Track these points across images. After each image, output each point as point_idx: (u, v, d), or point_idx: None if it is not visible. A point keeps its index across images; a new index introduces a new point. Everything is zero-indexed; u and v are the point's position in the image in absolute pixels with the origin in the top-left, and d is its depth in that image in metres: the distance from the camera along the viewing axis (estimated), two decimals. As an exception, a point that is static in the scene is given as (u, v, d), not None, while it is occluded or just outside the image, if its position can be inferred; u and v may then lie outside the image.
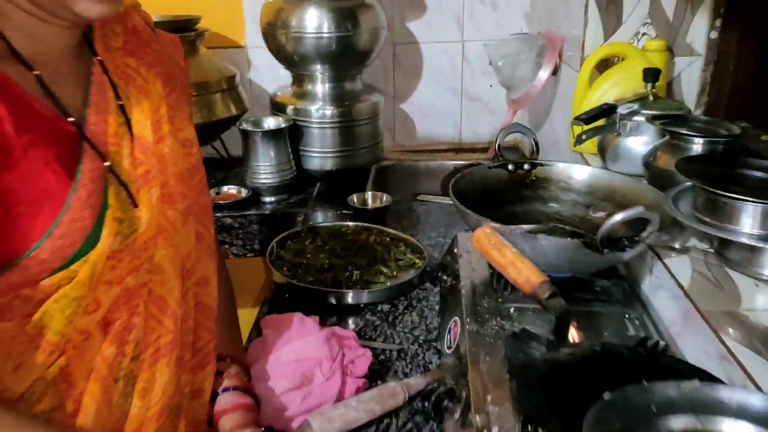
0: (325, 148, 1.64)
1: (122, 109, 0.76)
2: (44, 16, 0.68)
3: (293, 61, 1.60)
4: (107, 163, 0.71)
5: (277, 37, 1.56)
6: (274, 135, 1.54)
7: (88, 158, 0.70)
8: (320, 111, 1.61)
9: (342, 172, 1.67)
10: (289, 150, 1.58)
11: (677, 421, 0.49)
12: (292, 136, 1.60)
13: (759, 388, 0.66)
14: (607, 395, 0.50)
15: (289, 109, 1.63)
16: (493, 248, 0.86)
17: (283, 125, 1.57)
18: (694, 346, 0.83)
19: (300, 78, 1.65)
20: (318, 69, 1.60)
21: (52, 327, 0.66)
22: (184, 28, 1.55)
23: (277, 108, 1.65)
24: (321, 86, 1.63)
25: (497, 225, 0.89)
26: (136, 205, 0.73)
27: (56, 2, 0.66)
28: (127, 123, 0.76)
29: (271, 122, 1.59)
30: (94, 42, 0.78)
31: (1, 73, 0.64)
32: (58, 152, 0.67)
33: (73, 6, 0.66)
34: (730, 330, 0.78)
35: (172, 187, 0.78)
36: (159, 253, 0.75)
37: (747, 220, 0.89)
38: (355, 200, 1.49)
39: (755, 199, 0.87)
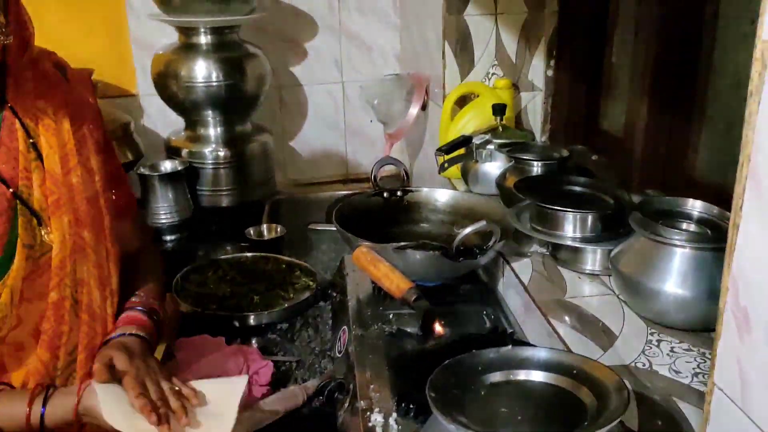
0: (220, 187, 1.76)
1: (34, 146, 0.87)
2: None
3: (185, 107, 1.72)
4: (11, 190, 0.82)
5: (168, 86, 1.68)
6: (171, 177, 1.64)
7: None
8: (214, 153, 1.73)
9: (238, 208, 1.79)
10: (187, 190, 1.69)
11: (495, 376, 0.67)
12: (189, 177, 1.71)
13: (570, 350, 0.87)
14: (446, 362, 0.68)
15: (184, 152, 1.74)
16: (369, 263, 1.03)
17: (180, 168, 1.68)
18: (533, 329, 1.03)
19: (193, 123, 1.77)
20: (209, 114, 1.73)
21: None
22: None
23: (172, 152, 1.76)
24: (213, 130, 1.75)
25: (371, 244, 1.06)
26: (41, 224, 0.84)
27: None
28: (39, 158, 0.87)
29: (167, 165, 1.69)
30: (6, 89, 0.89)
31: None
32: None
33: None
34: (558, 314, 0.99)
35: (83, 213, 0.90)
36: (80, 269, 0.87)
37: (569, 227, 1.11)
38: (252, 232, 1.62)
39: (573, 210, 1.10)
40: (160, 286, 1.12)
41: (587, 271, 1.09)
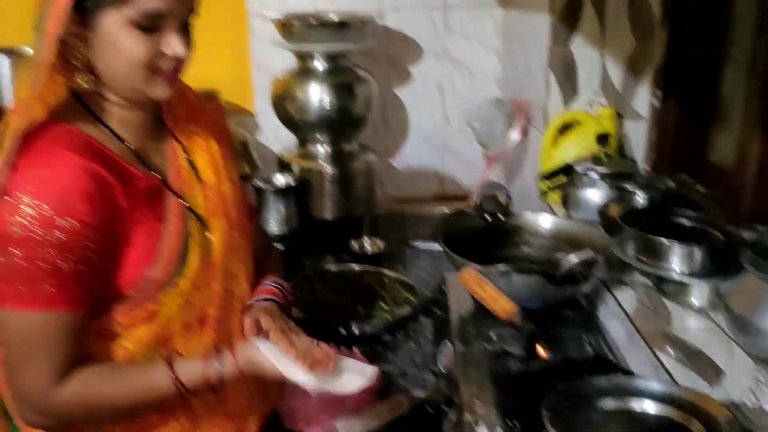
0: (326, 201, 1.87)
1: (191, 163, 1.02)
2: (128, 105, 0.94)
3: (299, 127, 1.84)
4: (184, 203, 0.97)
5: (285, 107, 1.81)
6: (283, 191, 1.77)
7: (172, 202, 0.96)
8: (322, 169, 1.84)
9: (341, 221, 1.89)
10: (296, 203, 1.80)
11: (608, 403, 0.71)
12: (298, 191, 1.82)
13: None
14: (558, 386, 0.72)
15: (295, 167, 1.86)
16: (476, 285, 1.09)
17: (291, 182, 1.80)
18: (637, 359, 1.05)
19: (304, 141, 1.89)
20: (320, 133, 1.85)
21: (170, 326, 0.94)
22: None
23: (284, 167, 1.89)
24: (322, 148, 1.87)
25: (479, 266, 1.12)
26: (206, 228, 0.99)
27: (136, 92, 0.91)
28: (195, 172, 1.02)
29: (280, 179, 1.82)
30: (164, 117, 1.04)
31: (112, 154, 0.91)
32: (151, 201, 0.94)
33: (149, 92, 0.91)
34: (663, 346, 1.00)
35: (234, 218, 1.04)
36: (232, 265, 1.03)
37: (675, 260, 1.12)
38: (355, 245, 1.71)
39: (680, 242, 1.11)
40: (283, 273, 1.26)
41: (694, 306, 1.10)
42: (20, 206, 0.82)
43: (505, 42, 2.07)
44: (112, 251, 0.90)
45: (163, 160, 1.00)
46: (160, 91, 0.92)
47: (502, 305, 1.03)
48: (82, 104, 0.93)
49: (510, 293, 1.09)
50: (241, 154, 1.87)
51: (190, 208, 0.98)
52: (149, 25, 0.86)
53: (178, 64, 0.92)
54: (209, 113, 1.13)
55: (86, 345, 0.91)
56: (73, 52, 0.88)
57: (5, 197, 0.83)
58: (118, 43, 0.86)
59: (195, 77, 1.89)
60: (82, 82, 0.90)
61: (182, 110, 1.06)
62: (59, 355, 0.87)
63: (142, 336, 0.93)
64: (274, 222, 1.77)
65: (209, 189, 1.02)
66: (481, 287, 1.08)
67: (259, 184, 1.78)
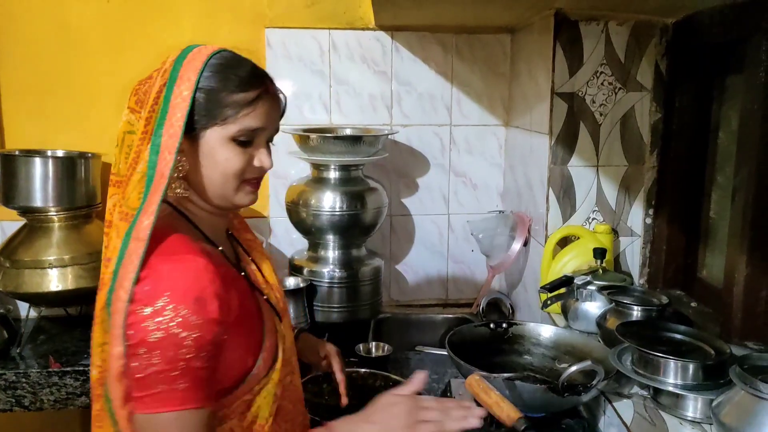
0: (333, 304, 1.94)
1: (256, 265, 1.14)
2: (215, 211, 1.03)
3: (310, 231, 1.94)
4: (264, 297, 1.07)
5: (298, 212, 1.91)
6: (293, 293, 1.84)
7: (261, 300, 1.05)
8: (331, 273, 1.92)
9: (347, 324, 1.95)
10: (305, 305, 1.87)
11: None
12: (308, 293, 1.90)
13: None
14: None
15: (305, 270, 1.94)
16: (481, 391, 1.14)
17: (302, 285, 1.87)
18: (635, 470, 1.09)
19: (315, 245, 1.98)
20: (330, 238, 1.94)
21: (261, 414, 1.00)
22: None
23: (295, 269, 1.97)
24: (332, 252, 1.96)
25: (484, 373, 1.17)
26: (284, 327, 1.10)
27: (225, 199, 1.00)
28: (261, 274, 1.13)
29: (291, 282, 1.89)
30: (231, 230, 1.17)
31: (217, 253, 1.01)
32: (249, 297, 1.02)
33: (236, 200, 1.00)
34: (660, 457, 1.05)
35: (288, 314, 1.16)
36: (293, 359, 1.13)
37: (670, 373, 1.18)
38: (361, 349, 1.76)
39: (675, 357, 1.18)
40: None
41: (689, 418, 1.15)
42: (161, 312, 0.85)
43: (507, 158, 2.21)
44: (228, 347, 0.94)
45: (238, 262, 1.10)
46: (247, 198, 1.02)
47: (506, 412, 1.08)
48: (179, 212, 1.01)
49: (513, 400, 1.14)
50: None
51: (272, 306, 1.08)
52: (245, 141, 0.97)
53: (262, 174, 1.03)
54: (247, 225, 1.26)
55: None
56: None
57: (143, 305, 0.86)
58: (217, 155, 0.96)
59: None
60: (179, 189, 0.97)
61: (235, 221, 1.19)
62: None
63: (235, 427, 0.98)
64: (284, 323, 1.83)
65: (275, 289, 1.14)
66: (487, 393, 1.13)
67: (271, 285, 1.85)
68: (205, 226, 1.03)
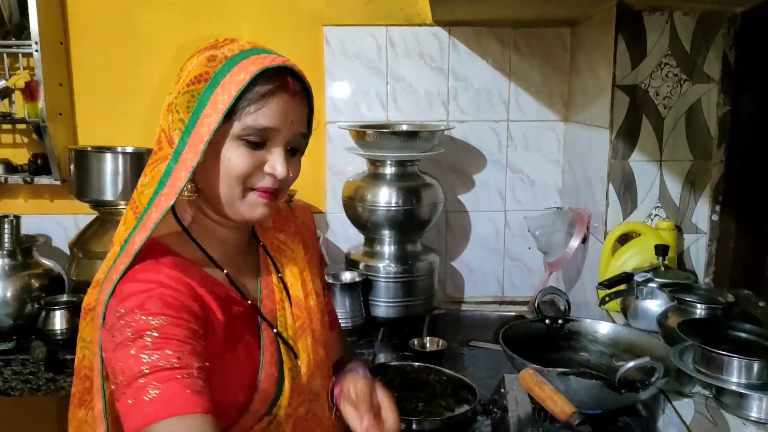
0: (389, 299, 1.95)
1: (281, 279, 1.01)
2: (226, 223, 0.93)
3: (367, 227, 1.96)
4: (275, 330, 0.95)
5: (355, 207, 1.94)
6: (349, 287, 1.86)
7: (265, 328, 0.94)
8: (387, 268, 1.94)
9: (402, 319, 1.96)
10: (361, 299, 1.89)
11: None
12: (364, 288, 1.92)
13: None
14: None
15: (361, 265, 1.96)
16: (535, 385, 1.13)
17: (357, 279, 1.89)
18: (696, 471, 1.06)
19: (371, 240, 2.00)
20: (386, 233, 1.96)
21: None
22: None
23: (351, 264, 1.99)
24: (388, 247, 1.97)
25: (538, 367, 1.16)
26: (297, 356, 0.97)
27: (234, 210, 0.90)
28: (286, 289, 1.00)
29: (347, 276, 1.92)
30: (255, 230, 1.04)
31: (210, 276, 0.91)
32: (248, 326, 0.92)
33: (245, 213, 0.90)
34: (723, 458, 1.01)
35: (318, 332, 1.01)
36: (315, 383, 0.99)
37: (734, 372, 1.14)
38: (416, 343, 1.76)
39: (740, 356, 1.13)
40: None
41: (752, 418, 1.10)
42: (114, 323, 0.81)
43: (566, 154, 2.17)
44: (212, 373, 0.84)
45: (257, 280, 0.99)
46: (256, 212, 0.90)
47: (560, 406, 1.06)
48: (182, 227, 0.93)
49: (568, 396, 1.12)
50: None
51: (280, 335, 0.95)
52: (255, 142, 0.86)
53: (278, 185, 0.89)
54: (298, 218, 1.12)
55: None
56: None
57: (109, 324, 0.82)
58: (223, 154, 0.86)
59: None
60: (187, 192, 0.89)
61: (270, 220, 1.05)
62: None
63: None
64: (341, 317, 1.85)
65: (297, 306, 1.00)
66: (541, 388, 1.11)
67: (329, 279, 1.88)
68: (214, 243, 0.94)
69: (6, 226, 1.93)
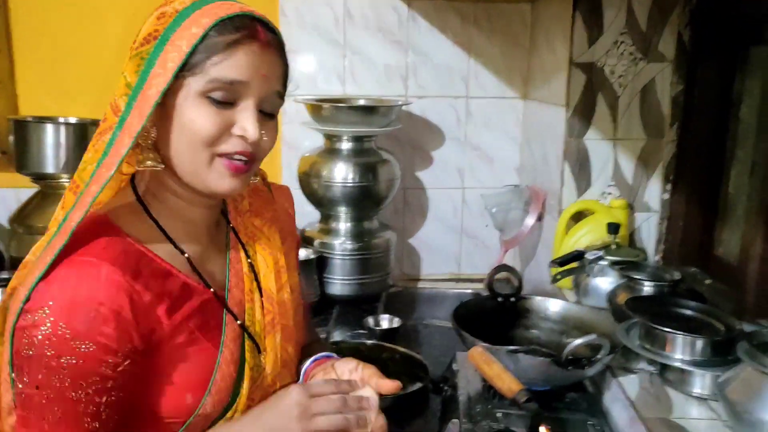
0: (344, 276, 1.93)
1: (252, 267, 0.91)
2: (192, 199, 0.83)
3: (322, 203, 1.93)
4: (239, 322, 0.86)
5: (310, 183, 1.90)
6: (304, 264, 1.83)
7: (229, 321, 0.84)
8: (342, 245, 1.92)
9: (358, 297, 1.94)
10: (315, 277, 1.87)
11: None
12: (318, 266, 1.89)
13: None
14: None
15: (317, 242, 1.94)
16: (484, 363, 1.12)
17: (312, 256, 1.87)
18: (638, 445, 1.07)
19: (326, 217, 1.97)
20: (342, 210, 1.93)
21: None
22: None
23: (306, 241, 1.96)
24: (344, 224, 1.95)
25: (487, 345, 1.16)
26: (260, 352, 0.88)
27: (200, 180, 0.79)
28: (257, 279, 0.91)
29: (301, 254, 1.89)
30: (227, 210, 0.93)
31: (163, 267, 0.80)
32: (206, 319, 0.82)
33: (212, 184, 0.79)
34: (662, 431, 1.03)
35: (290, 329, 0.93)
36: (281, 383, 0.91)
37: (678, 349, 1.15)
38: (371, 322, 1.75)
39: (683, 333, 1.15)
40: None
41: (695, 394, 1.13)
42: (38, 324, 0.71)
43: (524, 131, 2.17)
44: (149, 378, 0.78)
45: (224, 266, 0.89)
46: (224, 183, 0.79)
47: (508, 384, 1.06)
48: (139, 200, 0.84)
49: (517, 373, 1.12)
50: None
51: (246, 330, 0.87)
52: (222, 99, 0.76)
53: (250, 152, 0.79)
54: (277, 202, 1.02)
55: None
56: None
57: (28, 311, 0.72)
58: (184, 115, 0.76)
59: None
60: (150, 161, 0.79)
61: (246, 201, 0.95)
62: None
63: None
64: (294, 293, 1.83)
65: (268, 299, 0.91)
66: (489, 365, 1.11)
67: (282, 255, 1.85)
68: (176, 222, 0.84)
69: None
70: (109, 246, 0.77)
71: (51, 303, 0.72)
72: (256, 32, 0.78)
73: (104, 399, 0.74)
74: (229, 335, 0.84)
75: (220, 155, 0.79)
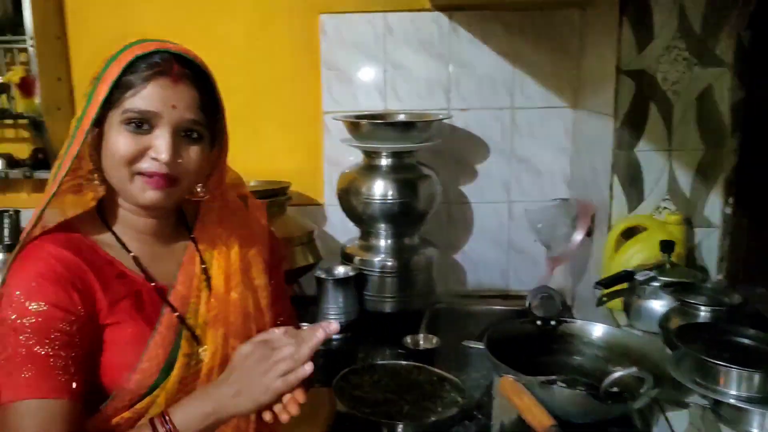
0: (384, 294, 1.89)
1: (204, 270, 1.03)
2: (136, 210, 0.98)
3: (362, 220, 1.90)
4: (177, 314, 0.98)
5: (349, 200, 1.88)
6: (343, 282, 1.80)
7: (167, 312, 0.97)
8: (382, 262, 1.88)
9: (399, 315, 1.90)
10: (355, 294, 1.84)
11: None
12: (358, 282, 1.86)
13: None
14: None
15: (356, 259, 1.90)
16: (514, 394, 1.06)
17: (351, 273, 1.84)
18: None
19: (366, 233, 1.94)
20: (382, 227, 1.89)
21: None
22: (277, 192, 1.90)
23: (346, 258, 1.93)
24: (384, 241, 1.91)
25: (516, 375, 1.09)
26: (198, 344, 0.98)
27: (127, 194, 0.95)
28: (207, 280, 1.02)
29: (341, 270, 1.86)
30: (196, 219, 1.07)
31: (106, 256, 0.96)
32: (142, 305, 0.95)
33: (137, 196, 0.93)
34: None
35: (236, 326, 1.02)
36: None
37: (732, 384, 1.05)
38: (409, 341, 1.70)
39: (739, 367, 1.04)
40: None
41: (752, 434, 1.02)
42: (2, 299, 0.88)
43: (574, 142, 2.07)
44: (93, 345, 0.91)
45: (176, 265, 1.02)
46: (145, 196, 0.93)
47: (538, 418, 1.00)
48: (99, 212, 1.00)
49: (552, 406, 1.05)
50: (306, 245, 1.94)
51: (183, 321, 0.98)
52: (138, 126, 0.91)
53: (165, 169, 0.92)
54: (248, 216, 1.14)
55: None
56: (90, 154, 0.96)
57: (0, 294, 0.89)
58: (110, 140, 0.92)
59: (271, 169, 2.03)
60: (96, 181, 0.97)
61: (216, 213, 1.08)
62: None
63: None
64: (333, 312, 1.80)
65: (216, 297, 1.02)
66: (519, 397, 1.05)
67: (320, 274, 1.82)
68: (128, 230, 0.99)
69: (6, 220, 1.92)
70: (58, 236, 0.94)
71: (10, 280, 0.89)
72: (169, 68, 0.91)
73: (71, 353, 0.87)
74: (163, 323, 0.96)
75: (140, 173, 0.92)
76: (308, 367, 0.90)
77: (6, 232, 1.97)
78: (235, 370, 0.92)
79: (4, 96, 2.00)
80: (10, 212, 1.97)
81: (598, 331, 1.34)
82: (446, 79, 2.06)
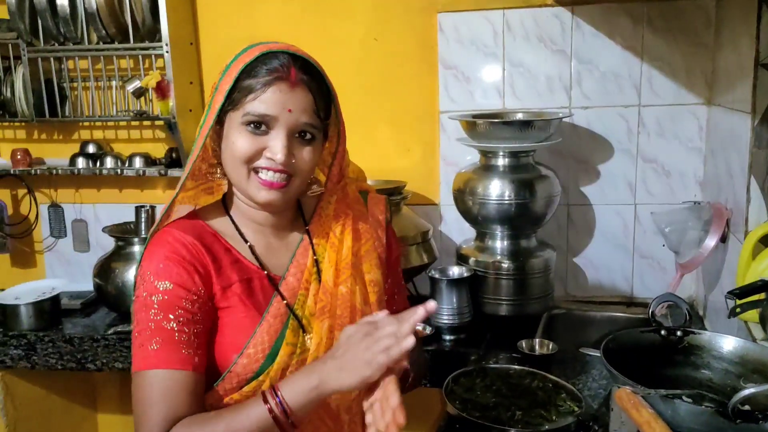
0: (500, 296, 1.87)
1: (316, 263, 1.08)
2: (252, 204, 1.05)
3: (477, 220, 1.89)
4: (285, 302, 1.03)
5: (465, 201, 1.87)
6: (457, 283, 1.81)
7: (277, 301, 1.03)
8: (498, 264, 1.86)
9: (514, 318, 1.87)
10: (469, 296, 1.83)
11: None
12: (472, 284, 1.85)
13: None
14: None
15: (471, 260, 1.90)
16: (632, 407, 1.01)
17: (466, 274, 1.83)
18: None
19: (482, 234, 1.93)
20: (498, 228, 1.87)
21: None
22: (392, 191, 1.94)
23: (461, 258, 1.93)
24: (500, 242, 1.89)
25: (635, 386, 1.04)
26: (305, 332, 1.03)
27: (245, 191, 1.02)
28: (318, 273, 1.07)
29: (455, 271, 1.87)
30: (313, 214, 1.12)
31: (226, 244, 1.04)
32: (251, 294, 1.02)
33: (253, 194, 1.01)
34: None
35: (343, 318, 1.05)
36: None
37: None
38: (524, 345, 1.67)
39: None
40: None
41: None
42: (138, 280, 0.99)
43: (708, 141, 1.94)
44: (211, 325, 1.00)
45: (289, 257, 1.07)
46: (260, 194, 1.00)
47: (658, 434, 0.95)
48: (223, 204, 1.09)
49: (674, 422, 1.00)
50: (421, 245, 1.96)
51: (292, 311, 1.03)
52: (257, 127, 0.98)
53: (279, 168, 0.98)
54: (366, 211, 1.16)
55: (200, 409, 0.96)
56: (212, 149, 1.06)
57: (137, 276, 1.01)
58: (230, 139, 1.00)
59: (387, 169, 2.06)
60: (218, 175, 1.07)
61: (332, 207, 1.13)
62: (164, 410, 0.92)
63: None
64: (447, 313, 1.81)
65: (324, 290, 1.06)
66: (638, 410, 1.00)
67: (434, 274, 1.84)
68: (248, 222, 1.07)
69: (143, 215, 2.11)
70: (184, 222, 1.04)
71: (143, 262, 1.00)
72: (287, 74, 0.97)
73: (193, 329, 0.96)
74: (272, 312, 1.02)
75: (255, 171, 0.99)
76: (410, 340, 0.90)
77: (143, 226, 2.17)
78: (341, 347, 0.94)
79: (142, 99, 2.19)
80: (147, 208, 2.17)
81: (729, 344, 1.25)
82: (567, 77, 2.00)
